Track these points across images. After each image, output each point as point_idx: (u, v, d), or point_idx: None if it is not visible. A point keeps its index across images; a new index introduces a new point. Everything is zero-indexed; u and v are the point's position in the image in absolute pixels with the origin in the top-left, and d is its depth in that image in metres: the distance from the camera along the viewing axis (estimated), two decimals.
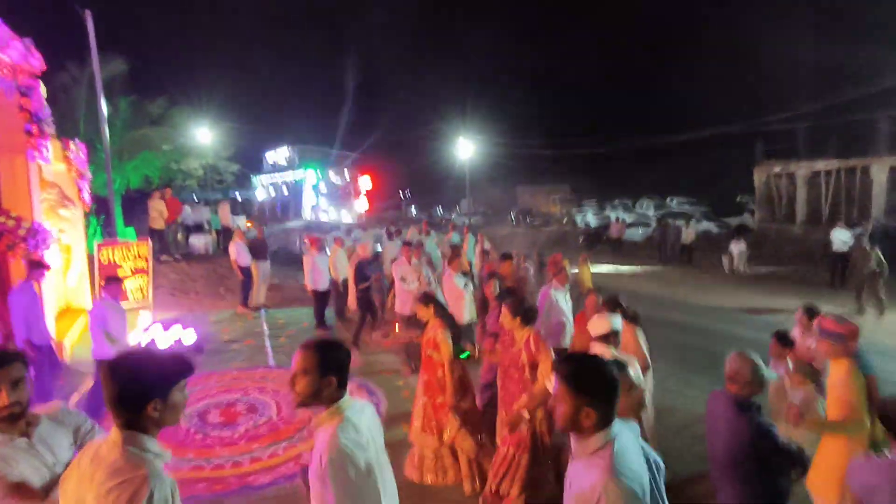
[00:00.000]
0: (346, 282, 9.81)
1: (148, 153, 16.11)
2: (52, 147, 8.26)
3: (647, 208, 32.64)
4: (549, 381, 3.55)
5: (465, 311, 7.26)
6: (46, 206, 8.63)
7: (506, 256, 6.74)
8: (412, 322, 7.19)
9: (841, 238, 14.41)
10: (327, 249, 10.53)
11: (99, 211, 14.06)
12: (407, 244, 7.83)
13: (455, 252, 8.50)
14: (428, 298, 4.62)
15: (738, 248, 17.27)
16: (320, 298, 9.51)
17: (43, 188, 8.41)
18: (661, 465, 2.08)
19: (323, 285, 9.54)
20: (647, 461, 2.00)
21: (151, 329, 7.89)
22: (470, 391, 4.47)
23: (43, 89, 7.75)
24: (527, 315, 3.98)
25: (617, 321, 3.79)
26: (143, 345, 7.51)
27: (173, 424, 1.78)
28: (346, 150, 17.69)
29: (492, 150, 36.76)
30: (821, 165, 22.68)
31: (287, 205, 15.78)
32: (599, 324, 3.77)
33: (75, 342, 8.40)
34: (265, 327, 9.92)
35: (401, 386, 6.90)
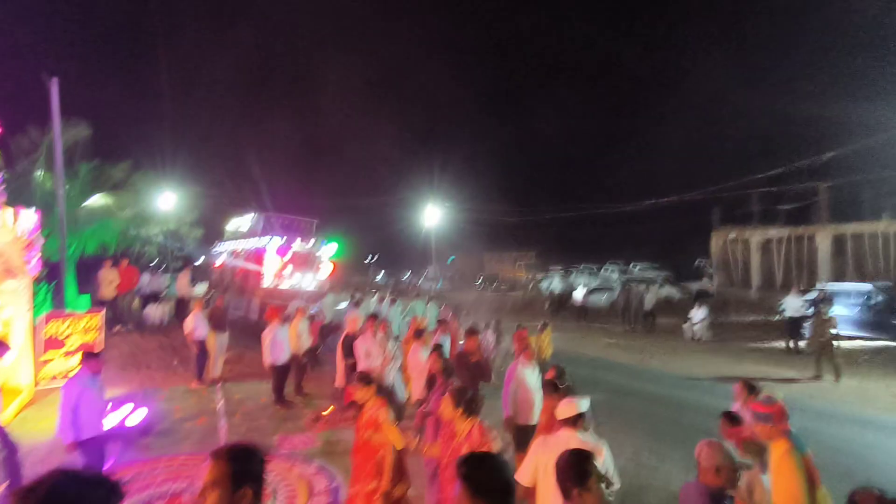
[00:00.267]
0: (311, 352, 9.48)
1: (107, 219, 15.71)
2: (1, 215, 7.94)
3: (612, 273, 33.31)
4: None
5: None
6: None
7: (471, 332, 6.65)
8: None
9: (793, 304, 14.88)
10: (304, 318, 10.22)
11: (50, 278, 13.46)
12: (372, 317, 7.66)
13: (421, 326, 8.37)
14: (367, 378, 4.44)
15: (699, 314, 17.61)
16: (280, 373, 9.11)
17: None
18: None
19: (283, 359, 9.17)
20: None
21: None
22: (406, 478, 4.27)
23: None
24: (470, 405, 3.76)
25: (584, 403, 3.70)
26: None
27: None
28: (311, 217, 17.70)
29: (458, 216, 37.37)
30: (772, 233, 23.83)
31: (247, 272, 15.46)
32: (566, 407, 3.67)
33: (7, 421, 7.73)
34: (220, 404, 9.39)
35: None
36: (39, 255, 9.77)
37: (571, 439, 3.54)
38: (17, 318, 9.32)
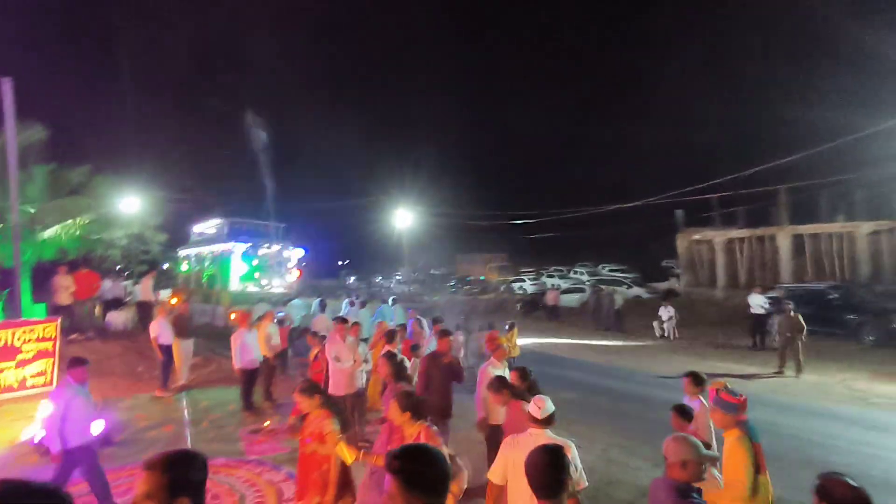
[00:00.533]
0: (282, 356, 9.32)
1: (65, 224, 15.13)
2: None
3: (582, 275, 33.76)
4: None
5: None
6: None
7: (443, 333, 6.63)
8: (345, 404, 6.83)
9: (757, 302, 15.33)
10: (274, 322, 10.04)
11: (4, 285, 12.90)
12: (341, 320, 7.56)
13: (393, 329, 8.30)
14: (312, 388, 4.27)
15: (667, 313, 17.98)
16: (248, 378, 8.93)
17: None
18: None
19: (251, 363, 9.00)
20: None
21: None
22: (351, 492, 4.11)
23: None
24: (417, 409, 3.68)
25: (550, 403, 3.71)
26: (36, 441, 6.70)
27: None
28: (280, 221, 17.44)
29: (430, 219, 37.34)
30: (735, 233, 24.49)
31: (214, 277, 15.11)
32: (535, 406, 3.68)
33: None
34: (186, 412, 9.14)
35: None
36: None
37: (540, 437, 3.55)
38: None
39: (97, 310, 14.39)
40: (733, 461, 3.44)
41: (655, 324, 18.19)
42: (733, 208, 25.48)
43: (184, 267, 17.77)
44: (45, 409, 8.22)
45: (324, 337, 8.19)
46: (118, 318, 14.60)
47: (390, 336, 7.36)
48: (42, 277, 15.69)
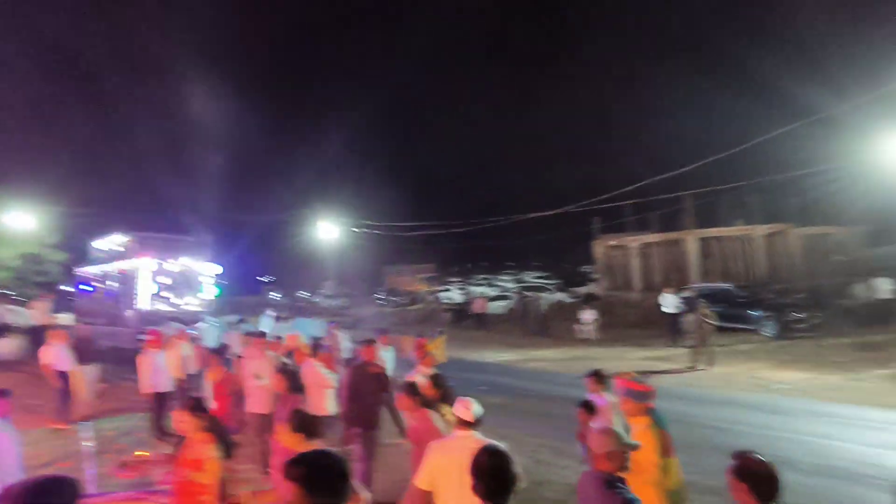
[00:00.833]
0: (189, 380, 8.71)
1: None
2: None
3: (507, 283, 34.53)
4: None
5: (331, 403, 6.78)
6: None
7: (368, 342, 6.46)
8: (266, 422, 6.45)
9: (669, 301, 16.27)
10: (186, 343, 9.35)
11: None
12: (260, 335, 7.17)
13: (318, 342, 8.00)
14: (198, 406, 3.88)
15: (588, 316, 18.67)
16: (159, 403, 8.26)
17: None
18: None
19: (164, 386, 8.35)
20: None
21: None
22: None
23: None
24: (311, 429, 3.48)
25: (477, 405, 3.66)
26: None
27: None
28: (192, 235, 16.43)
29: (356, 231, 36.80)
30: (647, 238, 25.92)
31: (119, 297, 13.96)
32: (463, 409, 3.61)
33: None
34: (88, 444, 8.31)
35: None
36: None
37: (469, 440, 3.48)
38: None
39: None
40: (643, 448, 3.51)
41: (577, 326, 18.81)
42: (645, 213, 26.99)
43: (86, 287, 16.35)
44: None
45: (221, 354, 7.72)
46: (6, 346, 13.17)
47: (314, 349, 7.07)
48: None
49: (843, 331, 15.14)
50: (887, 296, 16.55)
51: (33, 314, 14.11)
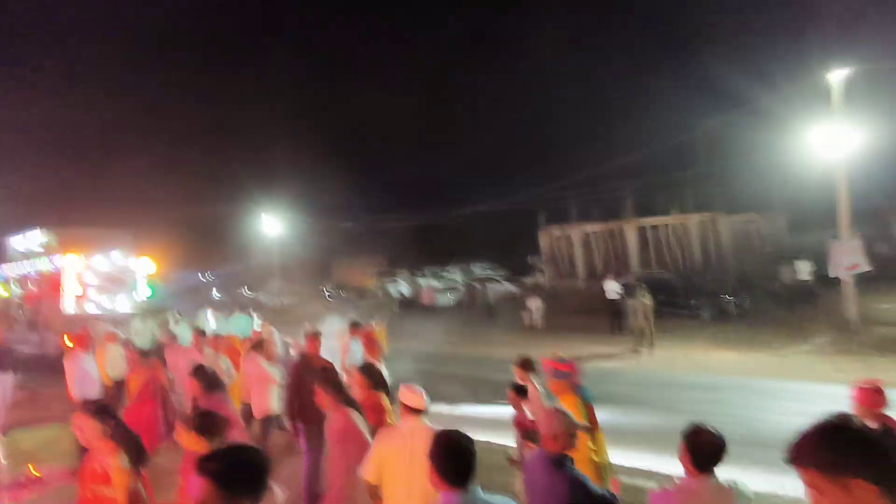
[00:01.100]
0: (121, 384, 8.21)
1: None
2: None
3: (455, 275, 34.68)
4: None
5: (274, 399, 6.55)
6: None
7: (313, 335, 6.27)
8: None
9: (612, 288, 16.78)
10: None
11: None
12: (199, 332, 6.84)
13: (259, 336, 7.71)
14: (102, 410, 3.44)
15: (534, 304, 19.01)
16: (111, 406, 7.73)
17: None
18: None
19: (92, 392, 7.81)
20: None
21: None
22: None
23: None
24: (211, 429, 3.19)
25: (422, 391, 3.61)
26: None
27: None
28: (123, 231, 15.45)
29: (302, 226, 35.98)
30: (590, 228, 26.67)
31: (42, 300, 12.93)
32: (411, 396, 3.54)
33: None
34: (1, 460, 7.69)
35: None
36: None
37: (418, 427, 3.42)
38: None
39: None
40: None
41: (524, 314, 19.13)
42: (588, 203, 27.76)
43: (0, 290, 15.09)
44: None
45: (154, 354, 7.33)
46: None
47: (257, 345, 6.80)
48: None
49: (770, 312, 16.12)
50: (808, 278, 17.72)
51: None
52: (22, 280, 14.59)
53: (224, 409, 4.16)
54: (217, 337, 7.24)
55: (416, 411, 3.47)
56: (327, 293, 37.90)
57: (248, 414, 6.75)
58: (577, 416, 3.53)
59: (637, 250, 25.22)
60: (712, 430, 2.60)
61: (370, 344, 6.02)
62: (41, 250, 14.29)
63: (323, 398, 4.23)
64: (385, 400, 4.62)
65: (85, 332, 8.83)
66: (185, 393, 6.44)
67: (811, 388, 8.85)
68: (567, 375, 3.87)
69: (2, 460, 7.38)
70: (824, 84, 13.58)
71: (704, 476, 2.57)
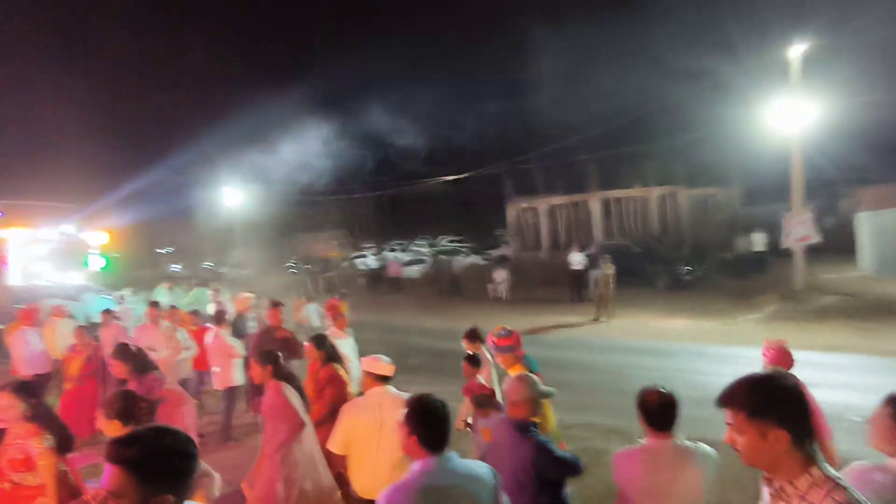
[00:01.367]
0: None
1: None
2: None
3: (421, 248, 34.64)
4: None
5: (238, 372, 6.47)
6: None
7: (274, 304, 6.16)
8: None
9: (576, 259, 17.07)
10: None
11: None
12: (153, 304, 6.63)
13: (221, 311, 7.53)
14: (22, 388, 3.18)
15: (500, 276, 19.19)
16: (37, 385, 7.46)
17: None
18: None
19: (41, 367, 7.55)
20: None
21: None
22: None
23: None
24: (136, 414, 2.91)
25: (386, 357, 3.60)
26: None
27: None
28: (73, 202, 14.77)
29: (266, 198, 35.02)
30: (555, 200, 26.91)
31: None
32: (375, 363, 3.51)
33: None
34: None
35: None
36: None
37: (385, 396, 3.42)
38: None
39: None
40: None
41: (490, 286, 19.31)
42: (552, 175, 27.96)
43: None
44: None
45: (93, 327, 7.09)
46: None
47: (218, 317, 6.65)
48: None
49: (723, 281, 16.73)
50: (761, 248, 18.41)
51: None
52: None
53: (156, 391, 3.87)
54: (174, 309, 7.02)
55: (383, 379, 3.46)
56: (291, 266, 37.35)
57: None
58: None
59: (601, 222, 25.64)
60: (661, 390, 2.69)
61: (336, 315, 5.94)
62: None
63: (255, 371, 4.17)
64: (342, 371, 4.55)
65: (32, 307, 8.46)
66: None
67: (756, 352, 9.25)
68: (510, 349, 3.90)
69: None
70: (782, 59, 13.87)
71: (664, 436, 2.65)
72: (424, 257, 28.78)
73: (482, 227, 38.52)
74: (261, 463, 3.98)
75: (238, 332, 7.01)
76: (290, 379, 4.23)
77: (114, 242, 15.00)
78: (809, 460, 1.53)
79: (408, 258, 29.97)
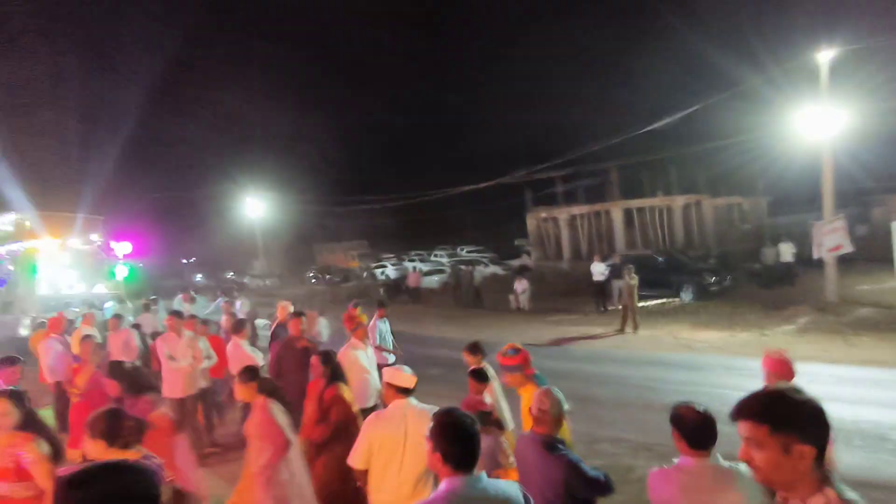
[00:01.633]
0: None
1: None
2: None
3: (441, 258, 34.58)
4: None
5: None
6: None
7: (295, 315, 6.12)
8: (185, 406, 6.01)
9: (598, 269, 16.79)
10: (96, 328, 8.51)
11: None
12: (175, 314, 6.65)
13: (241, 320, 7.52)
14: (17, 397, 3.08)
15: (521, 286, 18.97)
16: (64, 393, 7.54)
17: None
18: None
19: (67, 375, 7.61)
20: None
21: None
22: None
23: None
24: (116, 433, 2.74)
25: (408, 369, 3.49)
26: None
27: None
28: (100, 213, 15.04)
29: (285, 207, 35.46)
30: (576, 210, 26.66)
31: (15, 282, 12.55)
32: (398, 375, 3.41)
33: None
34: None
35: None
36: None
37: (409, 408, 3.32)
38: None
39: None
40: (527, 411, 3.56)
41: (511, 297, 19.11)
42: (574, 185, 27.73)
43: None
44: None
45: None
46: None
47: (237, 327, 6.62)
48: None
49: (752, 292, 16.27)
50: (789, 259, 17.91)
51: None
52: None
53: (148, 415, 3.63)
54: (194, 319, 7.03)
55: (405, 391, 3.35)
56: (311, 276, 37.61)
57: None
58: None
59: (623, 231, 25.29)
60: (697, 408, 2.53)
61: (354, 326, 5.85)
62: (10, 233, 13.87)
63: (239, 390, 4.03)
64: (346, 391, 4.29)
65: (60, 316, 8.60)
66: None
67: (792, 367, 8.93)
68: (519, 368, 3.76)
69: None
70: (811, 65, 13.54)
71: (701, 455, 2.50)
72: (444, 267, 28.71)
73: (502, 236, 38.35)
74: (245, 484, 3.89)
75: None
76: (276, 394, 4.10)
77: (139, 253, 15.24)
78: (825, 479, 1.47)
79: (427, 268, 29.91)
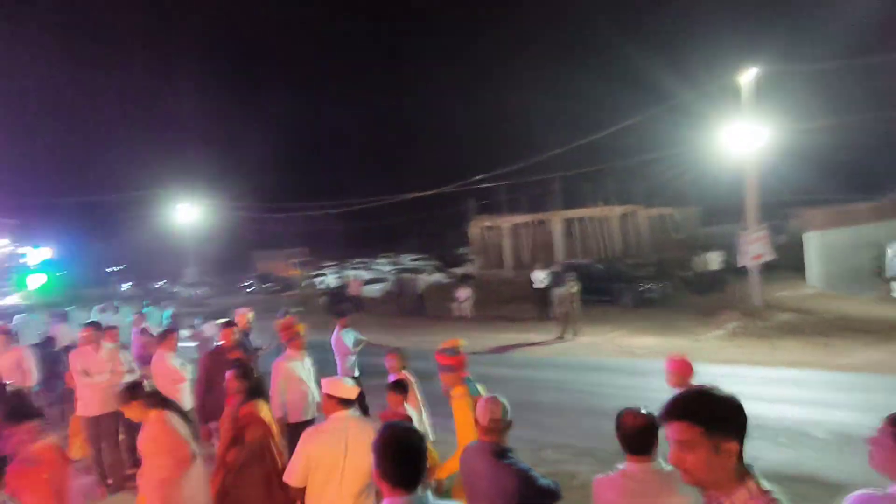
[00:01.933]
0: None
1: None
2: None
3: (384, 266, 34.20)
4: None
5: (186, 398, 5.96)
6: None
7: (227, 325, 5.75)
8: (102, 425, 5.49)
9: (538, 277, 17.05)
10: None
11: None
12: (92, 324, 6.09)
13: (169, 330, 7.02)
14: None
15: (463, 294, 18.99)
16: None
17: None
18: None
19: None
20: None
21: None
22: None
23: None
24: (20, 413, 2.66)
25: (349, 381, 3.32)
26: None
27: None
28: (13, 218, 13.77)
29: (221, 213, 33.96)
30: (518, 219, 27.07)
31: None
32: (339, 386, 3.22)
33: None
34: None
35: None
36: None
37: (350, 421, 3.13)
38: None
39: None
40: (461, 413, 3.59)
41: (454, 304, 19.08)
42: (516, 195, 28.14)
43: None
44: None
45: None
46: None
47: (164, 336, 6.17)
48: None
49: (686, 298, 16.99)
50: (718, 267, 18.85)
51: None
52: None
53: (26, 446, 3.23)
54: (113, 329, 6.47)
55: (346, 402, 3.17)
56: (248, 284, 36.29)
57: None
58: (467, 406, 3.44)
59: (563, 240, 25.89)
60: (636, 412, 2.53)
61: (291, 336, 5.54)
62: None
63: (130, 410, 3.74)
64: (264, 408, 3.99)
65: None
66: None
67: (723, 369, 9.34)
68: (454, 369, 3.76)
69: None
70: (736, 84, 14.35)
71: (645, 460, 2.48)
72: (386, 276, 28.38)
73: (446, 245, 38.44)
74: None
75: (245, 349, 6.31)
76: (170, 405, 3.82)
77: (57, 260, 14.09)
78: (745, 473, 1.50)
79: (369, 276, 29.47)
